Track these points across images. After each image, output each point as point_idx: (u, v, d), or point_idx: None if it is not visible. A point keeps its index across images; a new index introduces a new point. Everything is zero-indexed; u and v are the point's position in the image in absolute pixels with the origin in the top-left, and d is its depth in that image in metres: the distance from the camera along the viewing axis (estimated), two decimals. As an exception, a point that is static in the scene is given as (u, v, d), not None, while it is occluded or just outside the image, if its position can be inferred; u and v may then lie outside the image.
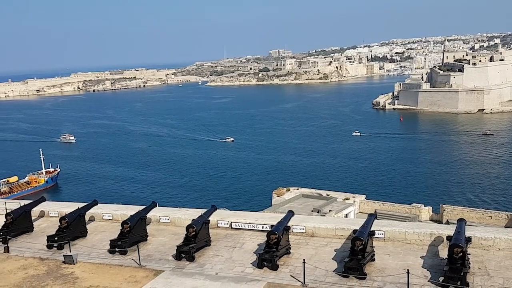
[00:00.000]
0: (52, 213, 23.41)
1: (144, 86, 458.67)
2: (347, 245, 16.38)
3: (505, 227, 43.35)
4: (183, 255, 17.22)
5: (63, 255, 17.88)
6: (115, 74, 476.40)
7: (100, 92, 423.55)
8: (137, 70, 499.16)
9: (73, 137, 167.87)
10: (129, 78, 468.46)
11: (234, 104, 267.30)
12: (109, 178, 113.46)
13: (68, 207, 22.69)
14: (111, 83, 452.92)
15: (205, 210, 19.97)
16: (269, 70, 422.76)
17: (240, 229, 19.79)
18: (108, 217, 22.44)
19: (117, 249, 18.16)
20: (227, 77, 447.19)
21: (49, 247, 19.20)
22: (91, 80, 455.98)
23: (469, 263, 14.58)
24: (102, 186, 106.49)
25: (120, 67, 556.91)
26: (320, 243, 18.00)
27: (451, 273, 13.77)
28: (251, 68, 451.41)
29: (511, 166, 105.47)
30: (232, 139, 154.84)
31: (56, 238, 19.27)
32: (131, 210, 21.51)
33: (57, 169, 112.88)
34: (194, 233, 17.57)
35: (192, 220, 18.52)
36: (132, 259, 17.56)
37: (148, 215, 20.80)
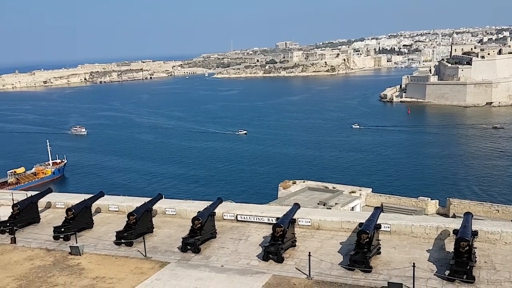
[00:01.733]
0: (58, 204, 23.56)
1: (150, 78, 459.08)
2: (353, 238, 16.35)
3: (512, 221, 43.11)
4: (188, 247, 17.28)
5: (70, 246, 18.01)
6: (122, 66, 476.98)
7: (106, 83, 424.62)
8: (143, 62, 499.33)
9: (84, 129, 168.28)
10: (136, 70, 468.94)
11: (241, 97, 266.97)
12: (115, 170, 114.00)
13: (75, 199, 22.81)
14: (118, 74, 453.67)
15: (211, 202, 20.00)
16: (276, 62, 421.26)
17: (245, 221, 19.81)
18: (114, 209, 22.55)
19: (123, 241, 18.25)
20: (234, 69, 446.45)
21: (56, 238, 19.34)
22: (98, 71, 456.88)
23: (475, 257, 14.52)
24: (108, 177, 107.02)
25: (126, 59, 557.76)
26: (326, 236, 17.99)
27: (457, 266, 13.72)
28: (258, 60, 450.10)
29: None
30: (245, 132, 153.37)
31: (62, 229, 19.41)
32: (137, 202, 21.61)
33: (64, 160, 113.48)
34: (200, 225, 17.61)
35: (198, 212, 18.57)
36: (138, 251, 17.64)
37: (154, 207, 20.88)
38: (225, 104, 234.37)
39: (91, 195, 22.25)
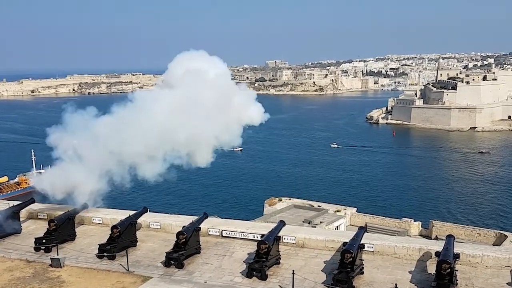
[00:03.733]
0: (41, 215, 23.26)
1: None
2: (337, 257, 16.41)
3: (493, 245, 43.56)
4: (172, 262, 17.17)
5: (50, 258, 17.74)
6: (111, 78, 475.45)
7: (95, 95, 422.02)
8: (133, 75, 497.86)
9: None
10: (125, 82, 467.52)
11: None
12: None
13: (58, 210, 22.56)
14: (107, 86, 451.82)
15: (197, 217, 19.95)
16: (266, 80, 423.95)
17: (230, 237, 19.78)
18: (98, 221, 22.33)
19: (105, 254, 18.06)
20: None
21: (37, 249, 19.06)
22: (87, 82, 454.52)
23: (457, 280, 14.68)
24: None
25: (117, 71, 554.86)
26: (310, 254, 18.03)
27: (439, 288, 13.86)
28: (247, 77, 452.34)
29: (502, 185, 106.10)
30: (240, 148, 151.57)
31: (44, 241, 19.15)
32: (121, 215, 21.45)
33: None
34: (184, 240, 17.54)
35: (183, 227, 18.50)
36: (120, 265, 17.47)
37: (139, 221, 20.74)
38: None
39: (75, 207, 22.01)
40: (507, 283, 15.06)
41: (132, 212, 21.08)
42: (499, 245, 41.59)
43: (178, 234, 17.68)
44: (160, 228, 21.26)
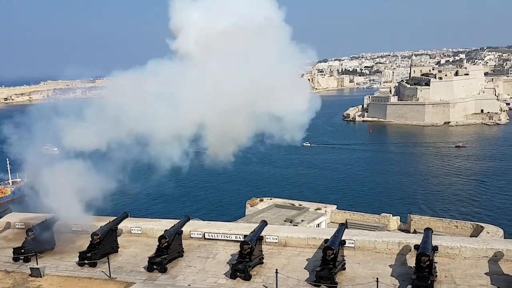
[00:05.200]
0: (18, 224, 22.85)
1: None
2: (319, 254, 16.60)
3: (470, 236, 44.56)
4: (155, 267, 17.08)
5: (30, 268, 17.46)
6: (86, 83, 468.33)
7: (70, 100, 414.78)
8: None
9: (56, 148, 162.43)
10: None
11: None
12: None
13: (35, 219, 22.19)
14: (82, 91, 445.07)
15: (178, 220, 19.90)
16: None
17: (213, 239, 19.80)
18: (77, 229, 22.03)
19: (86, 261, 17.86)
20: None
21: (16, 259, 18.72)
22: (61, 88, 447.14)
23: (436, 272, 15.00)
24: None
25: (92, 76, 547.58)
26: (293, 252, 18.18)
27: (419, 281, 14.14)
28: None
29: (478, 177, 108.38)
30: None
31: (23, 251, 18.82)
32: (101, 221, 21.23)
33: (24, 179, 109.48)
34: (166, 244, 17.48)
35: (165, 230, 18.45)
36: (102, 271, 17.29)
37: (119, 226, 20.57)
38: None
39: (53, 215, 21.66)
40: (485, 273, 15.47)
41: (112, 218, 20.89)
42: (476, 236, 42.59)
43: (160, 238, 17.62)
44: (141, 233, 21.13)
